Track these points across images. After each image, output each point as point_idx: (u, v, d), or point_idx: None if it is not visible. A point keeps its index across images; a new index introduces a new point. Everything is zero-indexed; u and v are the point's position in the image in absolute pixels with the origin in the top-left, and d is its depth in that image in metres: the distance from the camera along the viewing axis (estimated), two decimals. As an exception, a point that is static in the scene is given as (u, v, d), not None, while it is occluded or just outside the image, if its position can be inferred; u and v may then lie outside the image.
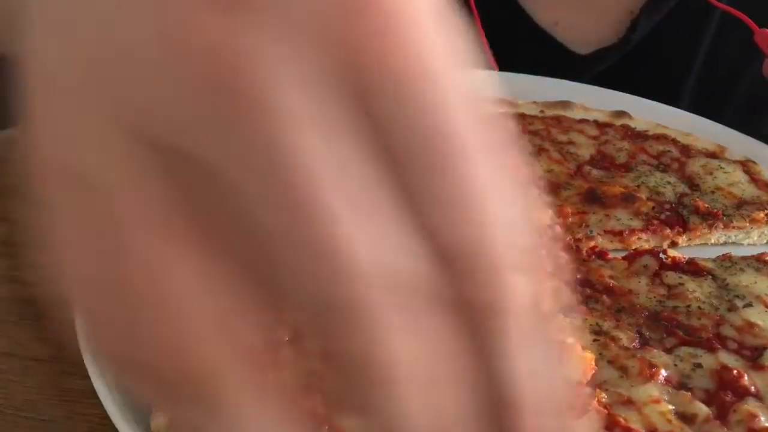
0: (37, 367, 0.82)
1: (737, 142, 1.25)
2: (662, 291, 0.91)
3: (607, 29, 1.48)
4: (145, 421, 0.69)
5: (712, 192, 1.13)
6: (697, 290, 0.91)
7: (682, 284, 0.92)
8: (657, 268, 0.94)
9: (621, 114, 1.30)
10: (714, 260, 0.98)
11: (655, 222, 1.06)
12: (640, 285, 0.92)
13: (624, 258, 0.98)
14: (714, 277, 0.94)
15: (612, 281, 0.92)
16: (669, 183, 1.14)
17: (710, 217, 1.07)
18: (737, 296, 0.92)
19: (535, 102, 1.33)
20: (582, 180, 1.15)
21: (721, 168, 1.17)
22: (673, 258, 0.96)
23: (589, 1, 1.51)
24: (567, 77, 1.44)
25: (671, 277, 0.93)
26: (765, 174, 1.16)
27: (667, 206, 1.09)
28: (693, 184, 1.15)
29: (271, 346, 0.67)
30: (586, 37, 1.49)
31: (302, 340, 0.70)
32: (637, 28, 1.45)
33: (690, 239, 1.06)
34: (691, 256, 0.99)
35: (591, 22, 1.50)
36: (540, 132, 1.26)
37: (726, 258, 0.98)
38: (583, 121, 1.30)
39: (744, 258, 0.99)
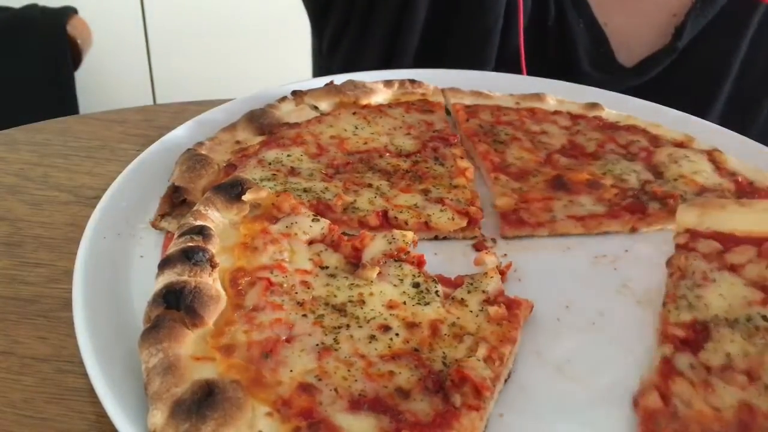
0: (36, 366, 0.80)
1: (706, 131, 1.25)
2: None
3: (653, 34, 1.47)
4: (142, 418, 0.67)
5: (675, 179, 1.11)
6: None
7: None
8: None
9: (594, 106, 1.29)
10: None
11: (616, 208, 1.04)
12: None
13: None
14: None
15: None
16: (634, 171, 1.13)
17: (667, 201, 1.05)
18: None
19: (511, 95, 1.32)
20: (550, 167, 1.13)
21: (686, 157, 1.16)
22: None
23: (635, 4, 1.49)
24: (609, 86, 1.40)
25: None
26: (729, 163, 1.15)
27: (630, 193, 1.07)
28: (658, 172, 1.13)
29: (270, 345, 0.67)
30: (631, 41, 1.48)
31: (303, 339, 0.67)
32: (682, 35, 1.43)
33: (650, 224, 1.04)
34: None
35: (637, 26, 1.48)
36: (514, 122, 1.24)
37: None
38: (557, 112, 1.28)
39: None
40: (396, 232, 0.91)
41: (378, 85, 1.28)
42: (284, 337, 0.75)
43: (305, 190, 1.01)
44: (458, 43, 1.52)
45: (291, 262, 0.85)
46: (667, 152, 1.18)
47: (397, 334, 0.78)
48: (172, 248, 0.82)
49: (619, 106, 1.31)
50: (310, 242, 0.89)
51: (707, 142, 1.21)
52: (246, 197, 0.91)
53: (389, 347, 0.76)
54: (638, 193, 1.08)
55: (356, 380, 0.72)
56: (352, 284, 0.84)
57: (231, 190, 0.91)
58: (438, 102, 1.29)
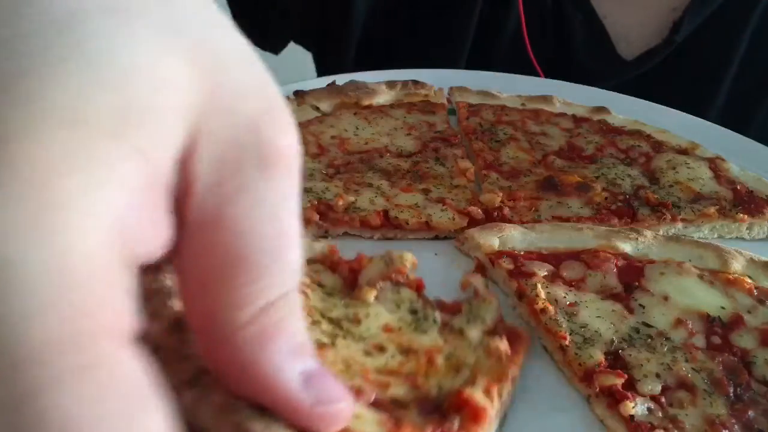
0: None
1: (717, 136, 1.24)
2: None
3: (651, 28, 1.46)
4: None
5: (670, 186, 1.09)
6: None
7: None
8: None
9: (600, 110, 1.28)
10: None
11: (605, 212, 1.02)
12: None
13: None
14: None
15: None
16: (629, 176, 1.11)
17: (659, 209, 1.04)
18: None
19: (519, 95, 1.31)
20: (544, 168, 1.12)
21: (686, 164, 1.14)
22: None
23: None
24: (608, 79, 1.42)
25: None
26: (731, 171, 1.13)
27: (621, 197, 1.06)
28: (653, 177, 1.12)
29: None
30: (630, 35, 1.47)
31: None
32: (680, 29, 1.42)
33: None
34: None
35: (636, 20, 1.47)
36: (515, 122, 1.23)
37: None
38: (561, 114, 1.27)
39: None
40: (395, 253, 0.86)
41: (380, 86, 1.27)
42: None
43: (306, 190, 1.00)
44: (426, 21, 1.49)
45: None
46: (666, 158, 1.17)
47: (392, 356, 0.74)
48: None
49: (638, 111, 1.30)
50: (310, 261, 0.86)
51: (719, 148, 1.20)
52: None
53: (385, 365, 0.73)
54: (630, 198, 1.07)
55: (354, 376, 0.70)
56: (348, 304, 0.80)
57: None
58: (440, 103, 1.28)
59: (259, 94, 0.33)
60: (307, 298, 0.80)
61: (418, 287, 0.84)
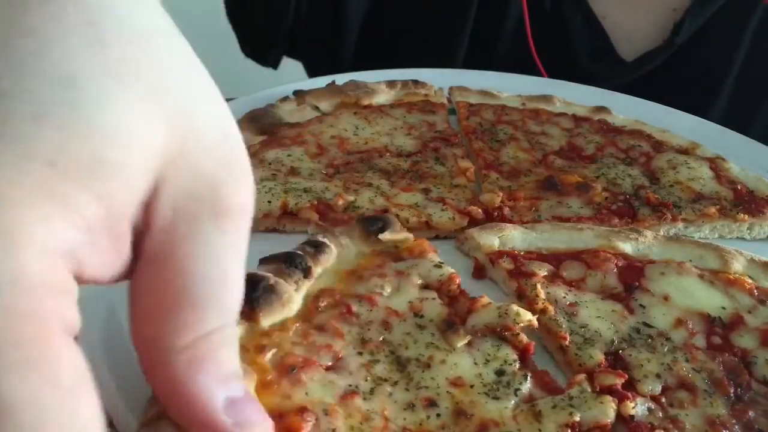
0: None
1: (718, 136, 1.24)
2: None
3: (652, 29, 1.47)
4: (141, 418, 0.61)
5: (671, 186, 1.10)
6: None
7: None
8: None
9: (601, 109, 1.28)
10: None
11: (605, 211, 1.02)
12: None
13: None
14: None
15: None
16: (629, 175, 1.11)
17: (660, 209, 1.04)
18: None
19: (519, 95, 1.31)
20: (544, 168, 1.12)
21: (686, 163, 1.14)
22: None
23: None
24: (609, 80, 1.42)
25: None
26: (732, 171, 1.13)
27: (621, 197, 1.06)
28: (654, 177, 1.12)
29: (304, 363, 0.64)
30: (630, 36, 1.48)
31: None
32: (681, 30, 1.42)
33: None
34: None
35: (636, 20, 1.48)
36: (515, 122, 1.23)
37: None
38: (561, 114, 1.27)
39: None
40: (512, 307, 0.78)
41: (380, 85, 1.26)
42: (325, 363, 0.69)
43: (305, 190, 0.99)
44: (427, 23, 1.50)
45: (388, 298, 0.78)
46: (667, 158, 1.17)
47: (438, 415, 0.67)
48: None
49: (637, 110, 1.30)
50: (425, 286, 0.81)
51: (720, 148, 1.20)
52: (383, 236, 0.85)
53: (420, 424, 0.66)
54: (630, 198, 1.07)
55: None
56: (431, 343, 0.74)
57: (372, 225, 0.86)
58: (440, 102, 1.28)
59: (222, 155, 0.37)
60: (386, 331, 0.75)
61: (525, 351, 0.74)
